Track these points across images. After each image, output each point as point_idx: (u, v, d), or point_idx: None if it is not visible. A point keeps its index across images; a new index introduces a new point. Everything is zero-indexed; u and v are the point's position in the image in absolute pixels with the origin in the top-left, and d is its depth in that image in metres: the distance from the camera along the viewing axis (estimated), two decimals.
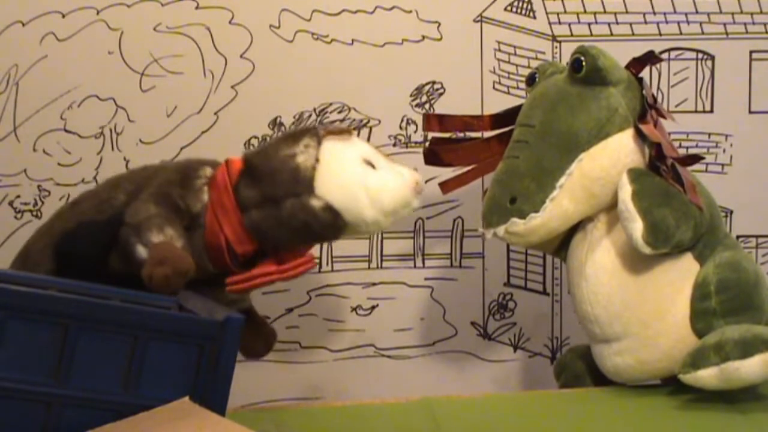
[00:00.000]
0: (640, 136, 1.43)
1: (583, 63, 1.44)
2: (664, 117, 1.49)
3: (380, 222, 1.38)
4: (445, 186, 1.63)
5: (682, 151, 1.69)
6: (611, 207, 1.44)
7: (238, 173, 1.36)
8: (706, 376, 1.35)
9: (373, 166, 1.38)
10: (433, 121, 1.62)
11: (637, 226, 1.37)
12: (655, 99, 1.48)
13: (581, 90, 1.45)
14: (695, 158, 1.47)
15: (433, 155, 1.62)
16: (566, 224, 1.46)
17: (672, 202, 1.39)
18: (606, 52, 1.45)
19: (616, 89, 1.45)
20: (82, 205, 1.41)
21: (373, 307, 1.79)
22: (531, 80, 1.53)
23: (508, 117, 1.55)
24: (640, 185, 1.39)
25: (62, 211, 1.44)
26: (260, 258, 1.37)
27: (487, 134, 1.61)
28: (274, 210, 1.34)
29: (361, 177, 1.36)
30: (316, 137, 1.37)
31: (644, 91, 1.46)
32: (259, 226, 1.35)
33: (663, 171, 1.40)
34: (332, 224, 1.34)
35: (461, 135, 1.67)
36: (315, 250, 1.74)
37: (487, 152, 1.57)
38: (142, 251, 1.30)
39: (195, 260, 1.30)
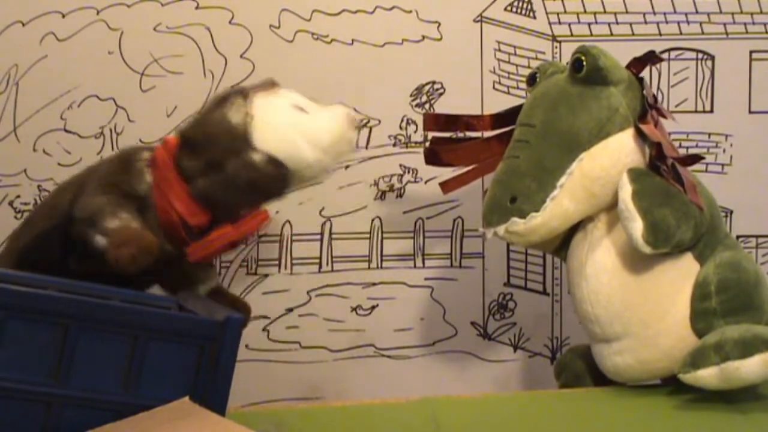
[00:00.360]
0: (640, 135, 1.43)
1: (584, 63, 1.44)
2: (664, 117, 1.49)
3: (323, 161, 1.36)
4: (446, 186, 1.63)
5: (682, 151, 1.69)
6: (612, 207, 1.44)
7: (175, 148, 1.37)
8: (706, 375, 1.35)
9: (304, 111, 1.38)
10: (433, 120, 1.63)
11: (637, 226, 1.37)
12: (655, 99, 1.48)
13: (582, 90, 1.45)
14: (696, 158, 1.47)
15: (434, 155, 1.62)
16: (566, 224, 1.46)
17: (672, 202, 1.38)
18: (607, 52, 1.45)
19: (617, 89, 1.45)
20: (34, 219, 1.41)
21: (373, 307, 1.79)
22: (532, 80, 1.53)
23: (508, 117, 1.55)
24: (640, 185, 1.39)
25: (17, 231, 1.44)
26: (215, 228, 1.38)
27: (488, 134, 1.61)
28: (219, 174, 1.34)
29: (295, 122, 1.36)
30: (244, 95, 1.37)
31: (645, 91, 1.46)
32: (206, 192, 1.35)
33: (663, 171, 1.40)
34: (276, 175, 1.34)
35: (461, 135, 1.67)
36: (315, 250, 1.75)
37: (487, 152, 1.57)
38: (100, 240, 1.29)
39: None
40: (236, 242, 1.38)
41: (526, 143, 1.45)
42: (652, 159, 1.42)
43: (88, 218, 1.31)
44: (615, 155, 1.43)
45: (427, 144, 1.67)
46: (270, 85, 1.41)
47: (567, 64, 1.49)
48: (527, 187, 1.43)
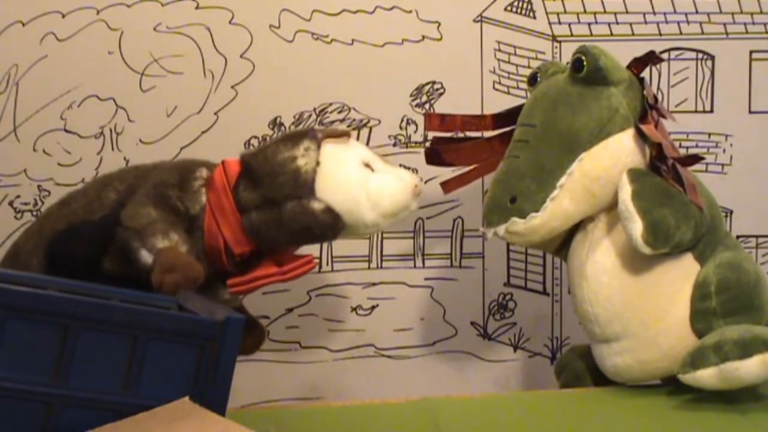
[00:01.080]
0: (641, 136, 1.43)
1: (584, 63, 1.43)
2: (665, 117, 1.49)
3: (379, 224, 1.39)
4: (447, 186, 1.62)
5: (682, 151, 1.69)
6: (612, 207, 1.44)
7: (236, 175, 1.37)
8: (706, 376, 1.35)
9: (372, 169, 1.38)
10: (434, 120, 1.62)
11: (637, 227, 1.37)
12: (656, 99, 1.48)
13: (582, 90, 1.44)
14: (696, 158, 1.47)
15: (435, 155, 1.62)
16: (567, 224, 1.46)
17: (672, 203, 1.38)
18: (607, 52, 1.45)
19: (617, 89, 1.45)
20: (72, 205, 1.40)
21: (373, 307, 1.79)
22: (533, 80, 1.53)
23: (509, 116, 1.55)
24: (640, 185, 1.39)
25: (51, 211, 1.43)
26: (256, 258, 1.38)
27: (489, 134, 1.60)
28: (275, 212, 1.34)
29: (362, 180, 1.37)
30: (316, 140, 1.37)
31: (645, 91, 1.46)
32: (259, 227, 1.35)
33: (663, 171, 1.40)
34: (332, 226, 1.35)
35: (462, 135, 1.67)
36: (315, 250, 1.74)
37: (488, 152, 1.57)
38: (146, 256, 1.29)
39: None
40: (279, 282, 1.39)
41: (526, 143, 1.45)
42: (653, 159, 1.42)
43: (137, 230, 1.31)
44: (615, 155, 1.43)
45: (428, 144, 1.67)
46: (343, 134, 1.41)
47: (568, 63, 1.49)
48: (527, 187, 1.42)
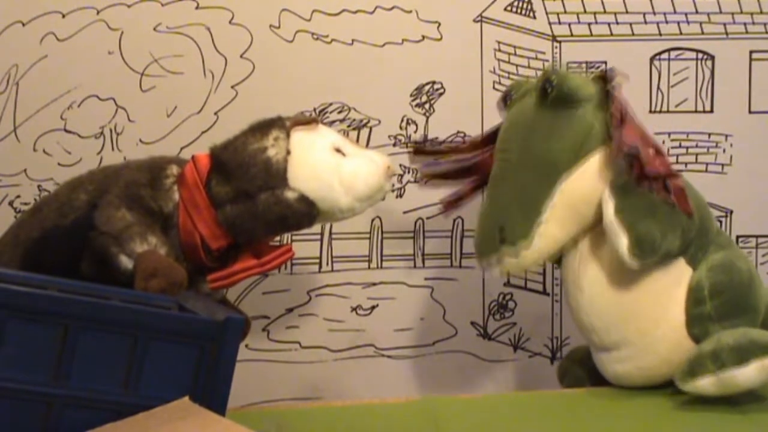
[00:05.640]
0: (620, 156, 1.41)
1: (550, 89, 1.42)
2: (628, 140, 1.40)
3: (355, 208, 1.39)
4: (446, 207, 1.62)
5: (681, 151, 1.69)
6: (601, 221, 1.42)
7: (207, 170, 1.36)
8: (704, 384, 1.35)
9: (343, 154, 1.38)
10: (419, 152, 1.63)
11: (623, 242, 1.36)
12: (622, 114, 1.42)
13: (553, 114, 1.42)
14: (675, 176, 1.43)
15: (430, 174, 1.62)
16: (557, 248, 1.45)
17: (656, 214, 1.37)
18: (570, 74, 1.43)
19: (588, 106, 1.42)
20: (43, 211, 1.38)
21: (373, 307, 1.79)
22: (506, 99, 1.51)
23: (489, 138, 1.54)
24: (622, 200, 1.37)
25: (24, 219, 1.42)
26: (233, 251, 1.38)
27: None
28: (249, 204, 1.34)
29: (334, 165, 1.37)
30: (284, 129, 1.37)
31: (612, 109, 1.41)
32: (234, 221, 1.35)
33: (648, 186, 1.38)
34: (307, 214, 1.35)
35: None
36: (315, 250, 1.75)
37: (479, 165, 1.57)
38: (126, 262, 1.29)
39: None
40: (258, 274, 1.39)
41: (506, 175, 1.44)
42: (635, 180, 1.39)
43: (114, 234, 1.30)
44: (597, 173, 1.41)
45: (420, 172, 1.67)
46: (311, 121, 1.41)
47: (538, 73, 1.47)
48: (513, 220, 1.42)
